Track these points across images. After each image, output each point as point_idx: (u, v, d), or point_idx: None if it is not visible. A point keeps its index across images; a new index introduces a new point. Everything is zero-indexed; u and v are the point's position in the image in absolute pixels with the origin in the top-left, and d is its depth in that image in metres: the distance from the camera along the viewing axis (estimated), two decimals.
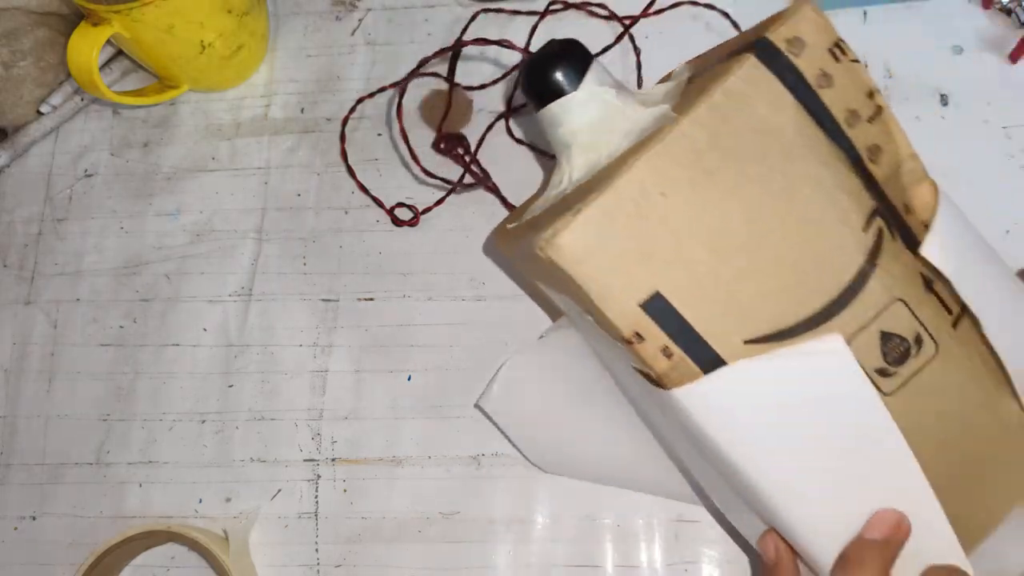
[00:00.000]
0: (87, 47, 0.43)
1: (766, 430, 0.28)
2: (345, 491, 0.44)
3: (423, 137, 0.50)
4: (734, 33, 0.50)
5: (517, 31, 0.51)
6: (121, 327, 0.49)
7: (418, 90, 0.51)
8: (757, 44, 0.28)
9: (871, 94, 0.28)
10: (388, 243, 0.48)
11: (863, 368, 0.28)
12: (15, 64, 0.50)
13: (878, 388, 0.28)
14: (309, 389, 0.46)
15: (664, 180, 0.27)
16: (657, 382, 0.28)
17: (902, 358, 0.28)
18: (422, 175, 0.46)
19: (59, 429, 0.47)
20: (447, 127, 0.49)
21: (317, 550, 0.44)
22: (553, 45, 0.33)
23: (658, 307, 0.27)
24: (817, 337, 0.28)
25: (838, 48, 0.28)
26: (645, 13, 0.49)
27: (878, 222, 0.28)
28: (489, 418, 0.43)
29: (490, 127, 0.49)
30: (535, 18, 0.51)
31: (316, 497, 0.44)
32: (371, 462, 0.45)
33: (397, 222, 0.48)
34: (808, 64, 0.28)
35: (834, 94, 0.28)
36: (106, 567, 0.42)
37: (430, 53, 0.51)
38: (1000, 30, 0.48)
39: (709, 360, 0.28)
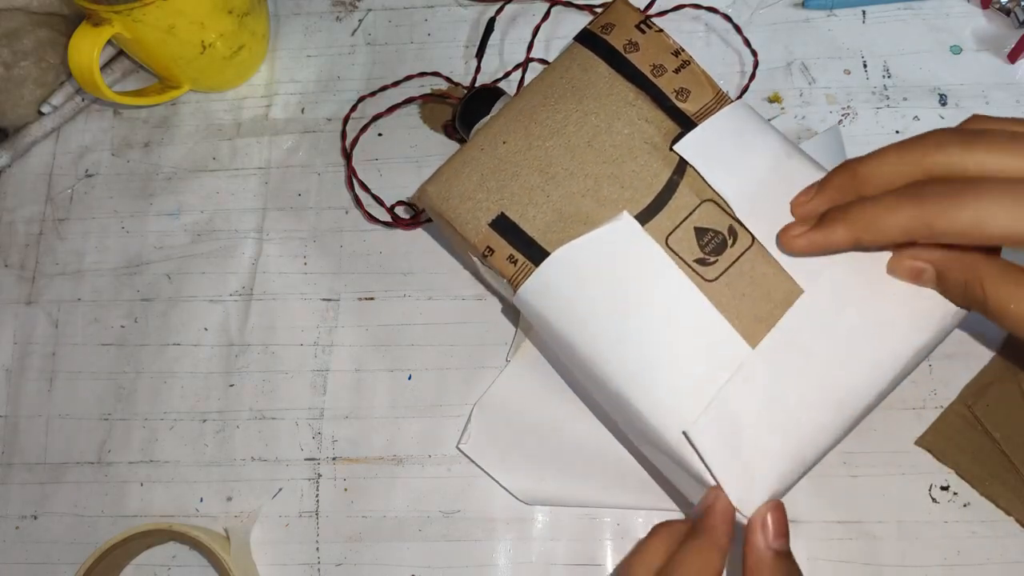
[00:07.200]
0: (88, 47, 0.43)
1: (590, 302, 0.33)
2: (346, 490, 0.45)
3: (423, 136, 0.50)
4: (734, 34, 0.50)
5: (521, 30, 0.51)
6: (122, 327, 0.49)
7: (419, 89, 0.51)
8: (579, 34, 0.37)
9: (676, 52, 0.36)
10: (389, 242, 0.48)
11: (684, 260, 0.33)
12: (16, 64, 0.50)
13: (701, 276, 0.33)
14: (310, 388, 0.46)
15: (504, 131, 0.36)
16: (513, 287, 0.35)
17: (720, 248, 0.33)
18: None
19: (60, 428, 0.47)
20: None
21: (318, 549, 0.44)
22: (477, 91, 0.45)
23: (503, 224, 0.35)
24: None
25: (644, 24, 0.37)
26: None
27: None
28: (471, 460, 0.43)
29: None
30: (539, 18, 0.51)
31: (317, 496, 0.45)
32: (372, 461, 0.45)
33: (398, 221, 0.48)
34: (617, 38, 0.36)
35: (640, 56, 0.36)
36: (107, 566, 0.42)
37: (430, 53, 0.52)
38: (999, 30, 0.48)
39: (543, 260, 0.34)
